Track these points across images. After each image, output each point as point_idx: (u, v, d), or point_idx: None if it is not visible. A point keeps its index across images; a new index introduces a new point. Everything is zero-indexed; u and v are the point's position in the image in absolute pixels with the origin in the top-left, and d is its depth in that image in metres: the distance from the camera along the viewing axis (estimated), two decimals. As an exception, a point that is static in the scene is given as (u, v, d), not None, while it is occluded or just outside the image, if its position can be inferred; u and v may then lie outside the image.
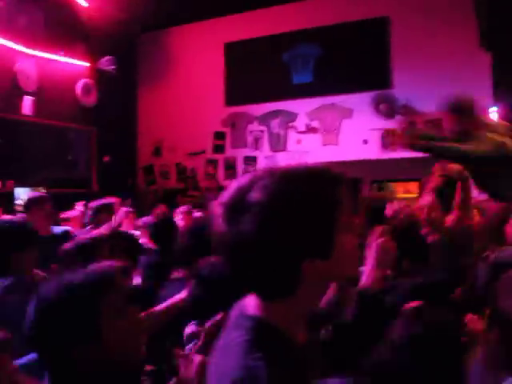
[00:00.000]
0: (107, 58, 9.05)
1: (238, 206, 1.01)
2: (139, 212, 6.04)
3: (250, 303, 1.10)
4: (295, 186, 1.00)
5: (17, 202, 7.27)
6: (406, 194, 8.17)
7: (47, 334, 1.32)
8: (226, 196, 1.05)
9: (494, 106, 7.56)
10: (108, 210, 4.92)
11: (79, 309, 1.33)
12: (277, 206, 0.98)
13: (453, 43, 7.87)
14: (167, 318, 2.26)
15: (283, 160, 9.07)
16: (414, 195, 7.47)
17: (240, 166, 9.60)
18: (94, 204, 5.01)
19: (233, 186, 1.05)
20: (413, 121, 8.25)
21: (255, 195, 0.99)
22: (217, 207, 1.05)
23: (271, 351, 1.00)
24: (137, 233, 4.74)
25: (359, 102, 8.54)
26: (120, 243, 2.94)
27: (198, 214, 6.23)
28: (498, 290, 1.64)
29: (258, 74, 9.22)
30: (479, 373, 1.56)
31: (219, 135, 9.79)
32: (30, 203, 4.54)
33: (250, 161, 9.48)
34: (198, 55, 9.80)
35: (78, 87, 8.83)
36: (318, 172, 1.05)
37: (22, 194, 7.29)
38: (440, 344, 1.43)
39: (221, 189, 9.10)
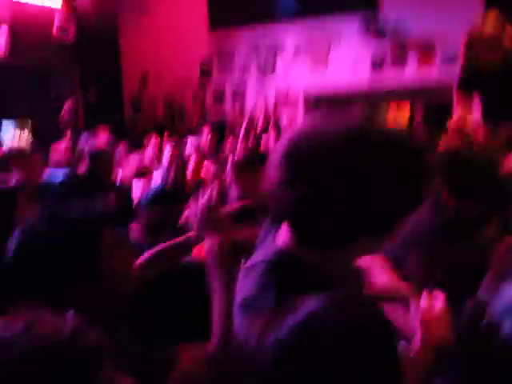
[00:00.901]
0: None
1: (299, 163, 0.98)
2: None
3: (282, 234, 1.09)
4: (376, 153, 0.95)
5: (2, 133, 7.62)
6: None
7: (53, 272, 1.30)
8: (285, 149, 1.01)
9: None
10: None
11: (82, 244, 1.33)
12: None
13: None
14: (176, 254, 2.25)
15: (272, 85, 8.87)
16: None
17: (229, 91, 9.43)
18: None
19: (292, 140, 1.02)
20: (402, 42, 8.02)
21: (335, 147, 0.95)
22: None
23: (286, 275, 1.00)
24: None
25: (348, 25, 8.29)
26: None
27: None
28: None
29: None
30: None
31: (206, 61, 9.55)
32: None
33: (239, 86, 9.29)
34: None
35: (56, 24, 8.51)
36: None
37: (7, 126, 7.77)
38: None
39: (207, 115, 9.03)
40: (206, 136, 6.45)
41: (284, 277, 1.00)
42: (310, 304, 0.92)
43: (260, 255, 1.11)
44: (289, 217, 1.03)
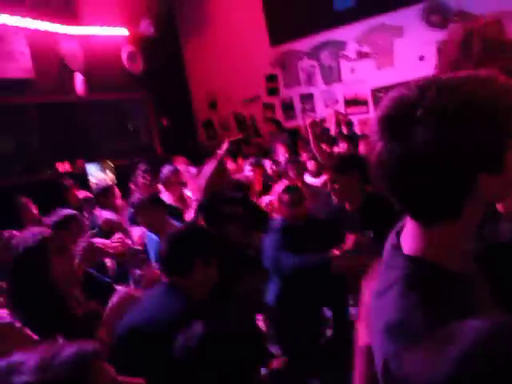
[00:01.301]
0: (145, 21, 9.00)
1: (406, 119, 0.93)
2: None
3: (406, 239, 1.04)
4: (469, 96, 0.92)
5: (89, 178, 7.65)
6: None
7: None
8: (385, 109, 0.98)
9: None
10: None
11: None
12: (455, 116, 0.90)
13: None
14: None
15: (340, 92, 8.86)
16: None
17: (297, 105, 9.46)
18: None
19: (392, 98, 0.99)
20: (471, 27, 7.76)
21: (428, 104, 0.91)
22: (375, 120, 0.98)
23: (429, 290, 0.93)
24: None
25: (409, 18, 8.12)
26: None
27: (266, 161, 6.25)
28: None
29: (298, 7, 8.91)
30: None
31: (271, 78, 9.65)
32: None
33: (307, 98, 9.32)
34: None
35: (124, 56, 8.88)
36: (490, 80, 0.96)
37: (92, 170, 7.62)
38: None
39: (283, 130, 9.06)
40: (282, 155, 6.45)
41: (427, 294, 0.93)
42: (472, 329, 0.83)
43: (386, 273, 1.04)
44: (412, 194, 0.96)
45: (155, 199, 3.98)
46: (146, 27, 9.01)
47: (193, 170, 6.07)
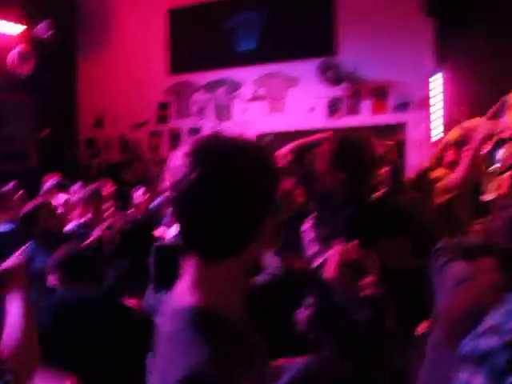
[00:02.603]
0: (44, 22, 8.52)
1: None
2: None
3: (183, 289, 1.06)
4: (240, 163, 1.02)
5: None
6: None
7: None
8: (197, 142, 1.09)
9: (438, 71, 7.63)
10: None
11: None
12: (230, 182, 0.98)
13: (397, 9, 7.83)
14: None
15: (229, 130, 8.91)
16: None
17: (185, 137, 9.40)
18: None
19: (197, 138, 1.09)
20: (358, 88, 8.25)
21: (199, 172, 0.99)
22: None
23: (215, 344, 0.95)
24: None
25: (305, 70, 8.45)
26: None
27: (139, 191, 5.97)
28: None
29: (202, 41, 8.97)
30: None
31: (163, 105, 9.54)
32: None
33: (195, 132, 9.29)
34: (141, 21, 9.46)
35: (13, 55, 8.32)
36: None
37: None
38: None
39: (164, 161, 8.90)
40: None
41: (213, 346, 0.96)
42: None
43: (171, 321, 1.07)
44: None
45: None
46: (44, 30, 8.52)
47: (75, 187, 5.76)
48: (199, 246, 1.03)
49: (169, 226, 4.56)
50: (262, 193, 1.00)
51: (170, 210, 4.28)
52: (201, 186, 0.97)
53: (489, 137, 3.78)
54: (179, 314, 1.03)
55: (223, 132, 1.13)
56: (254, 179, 0.99)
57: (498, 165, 4.59)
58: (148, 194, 5.73)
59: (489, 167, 4.49)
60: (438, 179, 3.77)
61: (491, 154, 4.52)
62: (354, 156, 2.45)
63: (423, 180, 3.90)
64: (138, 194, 5.71)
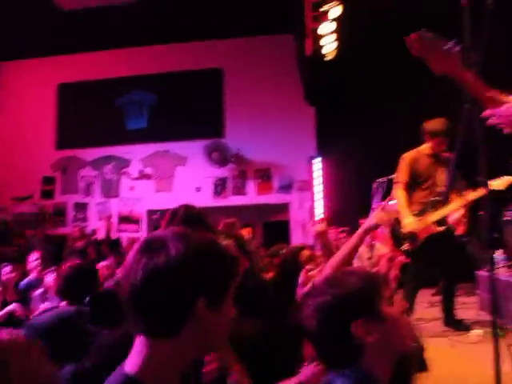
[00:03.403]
0: None
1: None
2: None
3: (131, 355, 1.08)
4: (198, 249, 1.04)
5: None
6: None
7: None
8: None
9: (318, 156, 8.10)
10: None
11: None
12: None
13: (281, 96, 8.35)
14: None
15: (115, 207, 8.84)
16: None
17: (70, 213, 9.17)
18: None
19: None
20: (243, 169, 8.54)
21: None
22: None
23: None
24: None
25: (193, 150, 8.66)
26: None
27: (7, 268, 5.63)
28: None
29: (91, 118, 8.99)
30: None
31: (48, 180, 9.31)
32: None
33: (81, 207, 9.11)
34: (31, 94, 9.34)
35: None
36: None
37: None
38: None
39: (47, 237, 8.59)
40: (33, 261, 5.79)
41: None
42: None
43: None
44: None
45: None
46: None
47: None
48: (139, 325, 1.06)
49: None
50: (188, 281, 1.03)
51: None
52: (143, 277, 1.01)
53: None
54: (114, 377, 1.05)
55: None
56: (177, 271, 1.03)
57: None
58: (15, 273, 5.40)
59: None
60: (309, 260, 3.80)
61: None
62: None
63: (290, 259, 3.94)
64: (5, 271, 5.37)
